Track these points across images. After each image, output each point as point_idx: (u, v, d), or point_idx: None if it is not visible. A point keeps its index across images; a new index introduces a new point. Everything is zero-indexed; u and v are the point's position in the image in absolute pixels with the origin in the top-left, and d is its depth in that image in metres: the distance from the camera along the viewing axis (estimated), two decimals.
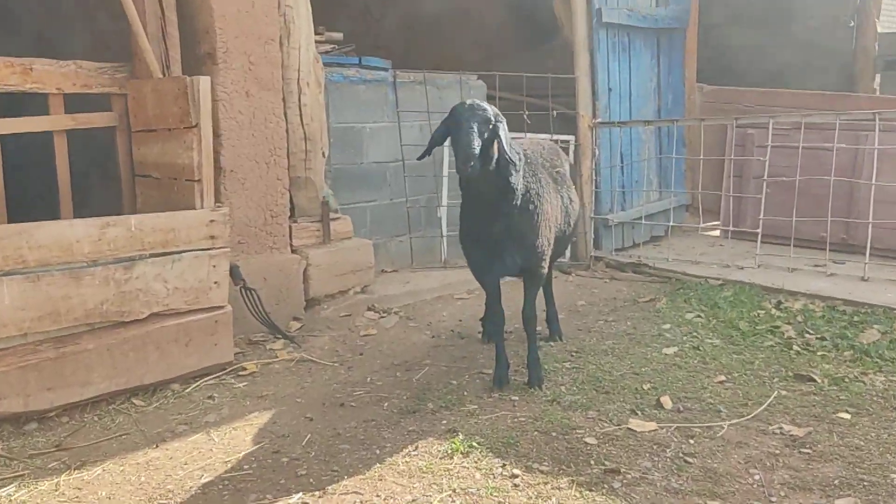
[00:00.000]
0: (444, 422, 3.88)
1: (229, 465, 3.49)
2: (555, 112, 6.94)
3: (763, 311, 5.43)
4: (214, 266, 4.40)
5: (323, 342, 5.10)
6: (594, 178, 7.05)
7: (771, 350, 4.73)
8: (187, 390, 4.31)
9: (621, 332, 5.19)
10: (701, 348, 4.79)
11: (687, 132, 8.25)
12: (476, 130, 3.70)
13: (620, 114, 7.30)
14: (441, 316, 5.69)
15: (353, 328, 5.37)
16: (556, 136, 7.02)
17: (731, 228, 6.99)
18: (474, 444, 3.59)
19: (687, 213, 8.44)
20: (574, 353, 4.79)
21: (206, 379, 4.43)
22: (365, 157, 6.46)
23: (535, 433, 3.71)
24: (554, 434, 3.69)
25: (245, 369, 4.59)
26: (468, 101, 3.82)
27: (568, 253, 7.12)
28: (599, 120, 6.99)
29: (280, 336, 5.07)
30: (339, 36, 6.60)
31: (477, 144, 3.67)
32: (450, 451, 3.53)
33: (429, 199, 6.87)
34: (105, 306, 4.02)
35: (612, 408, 3.97)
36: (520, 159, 4.03)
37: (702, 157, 6.66)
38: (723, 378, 4.32)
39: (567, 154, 7.04)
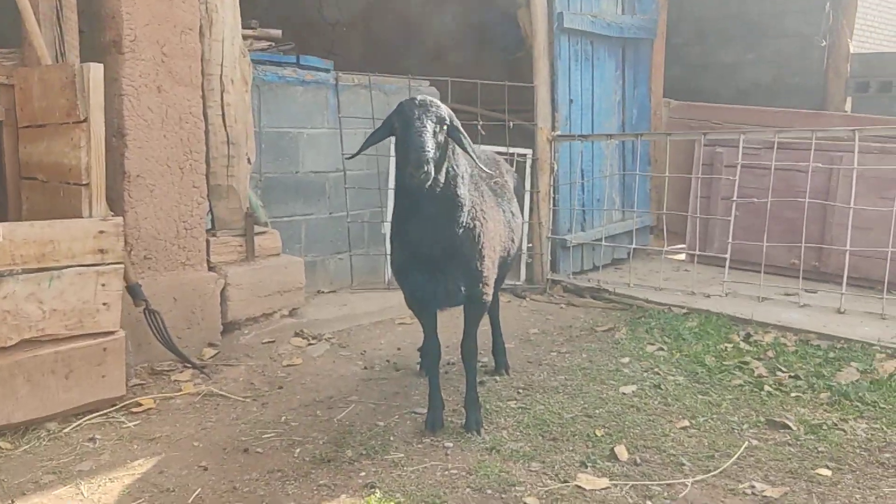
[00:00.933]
0: (363, 474, 3.29)
1: None
2: (511, 124, 6.42)
3: (731, 345, 4.92)
4: (103, 285, 3.77)
5: (238, 373, 4.48)
6: (552, 195, 6.53)
7: (740, 390, 4.21)
8: (65, 430, 3.67)
9: (575, 365, 4.64)
10: (662, 387, 4.25)
11: (652, 149, 7.79)
12: (430, 131, 3.14)
13: (582, 127, 6.80)
14: (378, 344, 5.11)
15: (276, 357, 4.76)
16: (512, 150, 6.51)
17: (697, 253, 6.51)
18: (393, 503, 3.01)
19: (651, 235, 7.96)
20: (521, 391, 4.23)
21: (90, 416, 3.80)
22: (301, 166, 5.87)
23: (468, 490, 3.14)
24: (489, 492, 3.12)
25: (140, 405, 3.97)
26: (420, 97, 3.27)
27: (523, 275, 6.60)
28: (559, 133, 6.48)
29: (189, 365, 4.44)
30: (277, 33, 6.03)
31: (432, 146, 3.11)
32: None
33: (373, 214, 6.30)
34: None
35: (559, 459, 3.40)
36: (465, 169, 3.48)
37: (667, 174, 6.16)
38: (686, 423, 3.78)
39: (525, 168, 6.54)
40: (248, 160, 5.08)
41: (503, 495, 3.09)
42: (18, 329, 3.53)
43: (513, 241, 3.96)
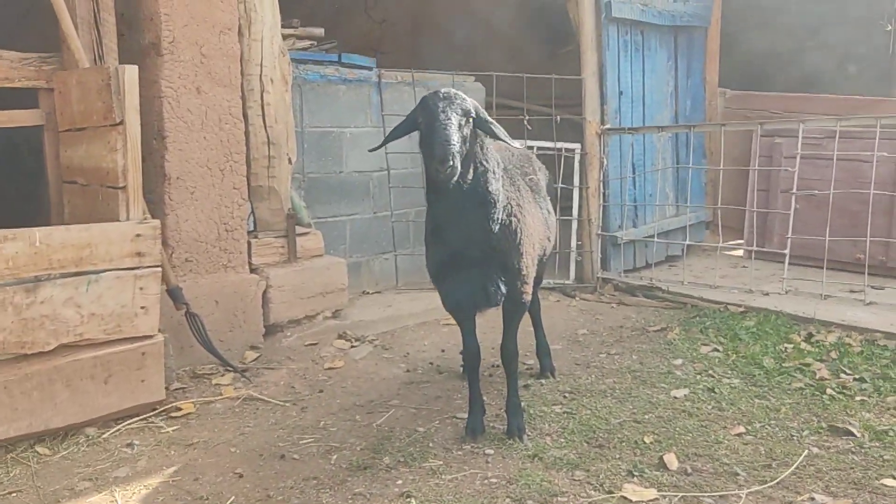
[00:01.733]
0: (400, 482, 3.18)
1: None
2: (558, 118, 6.25)
3: (791, 346, 4.68)
4: (141, 288, 3.75)
5: (279, 376, 4.42)
6: (602, 190, 6.33)
7: (800, 394, 3.99)
8: (105, 436, 3.65)
9: (625, 368, 4.47)
10: (717, 390, 4.05)
11: (708, 141, 7.52)
12: (455, 124, 3.02)
13: (633, 120, 6.59)
14: (422, 346, 5.00)
15: (318, 360, 4.69)
16: (560, 144, 6.34)
17: (754, 248, 6.24)
18: None
19: (707, 230, 7.68)
20: (567, 395, 4.08)
21: (129, 422, 3.78)
22: (345, 166, 5.80)
23: (507, 500, 3.01)
24: (529, 503, 2.98)
25: (180, 409, 3.93)
26: (443, 90, 3.15)
27: (572, 274, 6.42)
28: (608, 126, 6.28)
29: (230, 369, 4.40)
30: (319, 31, 5.98)
31: (457, 140, 2.99)
32: None
33: (418, 213, 6.19)
34: (1, 336, 3.37)
35: (604, 467, 3.25)
36: (497, 164, 3.35)
37: (721, 167, 5.91)
38: (742, 430, 3.58)
39: (573, 164, 6.37)
40: (290, 160, 5.02)
41: None
42: (56, 334, 3.52)
43: (549, 239, 3.81)
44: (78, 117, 3.96)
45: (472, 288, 3.38)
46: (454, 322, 5.28)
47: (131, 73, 3.68)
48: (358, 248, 5.91)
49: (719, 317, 5.33)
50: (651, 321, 5.45)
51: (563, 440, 3.52)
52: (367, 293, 5.91)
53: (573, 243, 6.42)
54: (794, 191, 5.70)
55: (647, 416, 3.75)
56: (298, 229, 5.07)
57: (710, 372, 4.34)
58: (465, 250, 3.33)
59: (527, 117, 6.21)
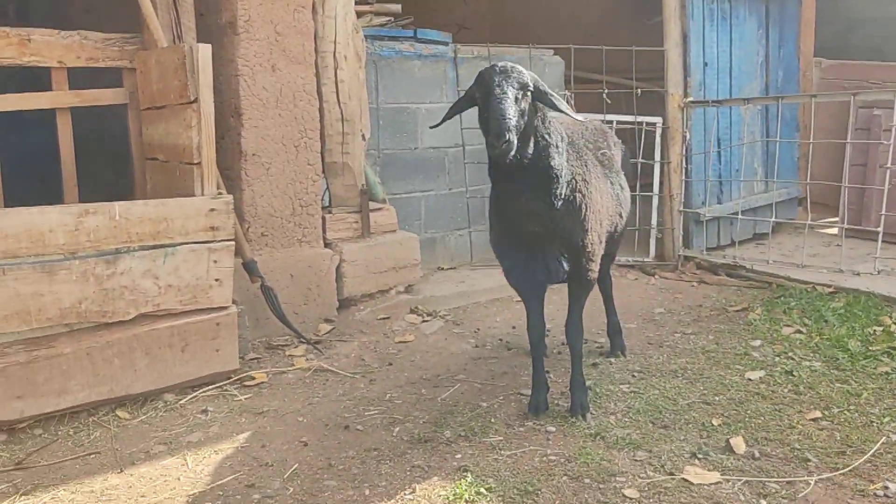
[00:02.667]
0: (459, 456, 3.20)
1: (188, 501, 2.93)
2: (639, 90, 6.08)
3: (881, 329, 4.44)
4: (215, 261, 3.87)
5: (350, 349, 4.50)
6: (684, 165, 6.14)
7: (885, 379, 3.79)
8: (181, 402, 3.80)
9: (699, 348, 4.34)
10: (795, 373, 3.90)
11: (801, 113, 7.18)
12: (511, 98, 2.98)
13: (719, 92, 6.35)
14: (493, 322, 4.99)
15: (389, 333, 4.75)
16: (640, 118, 6.18)
17: (845, 226, 5.94)
18: (483, 489, 2.90)
19: (800, 207, 7.35)
20: (636, 374, 4.00)
21: (205, 389, 3.92)
22: (420, 142, 5.82)
23: (564, 478, 2.98)
24: (587, 481, 2.95)
25: (253, 378, 4.05)
26: (500, 63, 3.11)
27: (652, 251, 6.27)
28: (691, 99, 6.08)
29: (303, 340, 4.51)
30: (396, 7, 5.98)
31: (513, 114, 2.95)
32: (452, 498, 2.86)
33: None
34: (84, 305, 3.55)
35: (667, 448, 3.18)
36: (561, 139, 3.29)
37: (811, 140, 5.64)
38: (818, 414, 3.43)
39: (655, 138, 6.20)
40: (363, 137, 5.07)
41: (601, 486, 2.91)
42: (136, 304, 3.68)
43: (621, 215, 3.72)
44: (157, 96, 4.10)
45: (535, 264, 3.34)
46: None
47: (205, 51, 3.78)
48: (433, 224, 5.93)
49: (805, 297, 5.11)
50: (732, 301, 5.28)
51: (627, 420, 3.46)
52: (442, 269, 5.93)
53: (654, 220, 6.27)
54: (889, 165, 5.38)
55: (717, 398, 3.64)
56: (372, 205, 5.12)
57: (790, 354, 4.17)
58: (527, 226, 3.29)
59: (606, 91, 6.07)
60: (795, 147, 7.03)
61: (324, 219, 4.90)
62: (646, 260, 6.21)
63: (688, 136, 6.11)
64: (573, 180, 3.29)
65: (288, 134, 4.66)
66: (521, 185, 3.20)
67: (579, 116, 3.42)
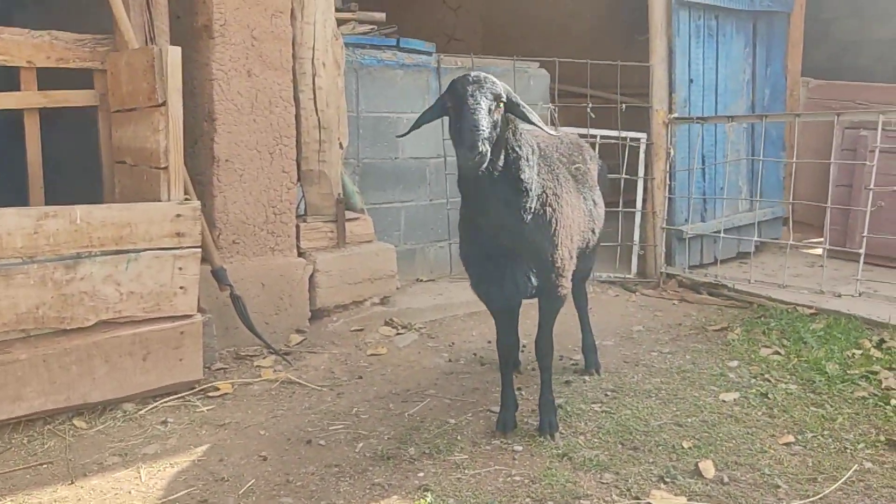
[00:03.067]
0: (421, 474, 3.11)
1: None
2: (623, 106, 6.03)
3: (859, 352, 4.37)
4: (181, 268, 3.78)
5: (320, 361, 4.41)
6: (668, 182, 6.08)
7: (862, 404, 3.72)
8: (141, 412, 3.70)
9: (675, 367, 4.27)
10: (770, 395, 3.82)
11: (787, 133, 7.13)
12: (485, 109, 2.90)
13: (704, 109, 6.31)
14: (469, 336, 4.91)
15: (361, 346, 4.66)
16: (624, 133, 6.12)
17: (829, 247, 5.88)
18: None
19: (784, 227, 7.30)
20: (609, 393, 3.92)
21: (167, 399, 3.82)
22: (401, 152, 5.75)
23: (527, 500, 2.90)
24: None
25: (217, 389, 3.96)
26: (473, 73, 3.03)
27: (634, 267, 6.20)
28: (676, 115, 6.03)
29: (272, 351, 4.41)
30: (380, 16, 5.92)
31: (487, 125, 2.87)
32: None
33: None
34: (41, 311, 3.45)
35: (635, 471, 3.09)
36: (532, 151, 3.22)
37: (794, 160, 5.59)
38: (791, 439, 3.36)
39: (638, 154, 6.14)
40: (341, 145, 5.00)
41: None
42: (96, 310, 3.58)
43: (594, 231, 3.64)
44: (127, 98, 4.01)
45: (503, 278, 3.26)
46: None
47: (174, 54, 3.70)
48: (412, 236, 5.85)
49: (786, 318, 5.04)
50: (712, 320, 5.20)
51: (596, 440, 3.38)
52: (421, 281, 5.85)
53: (636, 236, 6.20)
54: (871, 186, 5.33)
55: (689, 420, 3.56)
56: (349, 214, 5.04)
57: (767, 376, 4.10)
58: (496, 240, 3.22)
59: (590, 105, 6.01)
60: (781, 166, 6.99)
61: (298, 227, 4.81)
62: (627, 276, 6.14)
63: (672, 153, 6.05)
64: (543, 194, 3.22)
65: (263, 140, 4.57)
66: (491, 197, 3.12)
67: (551, 129, 3.36)
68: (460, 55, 6.04)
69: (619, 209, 6.13)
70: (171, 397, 3.84)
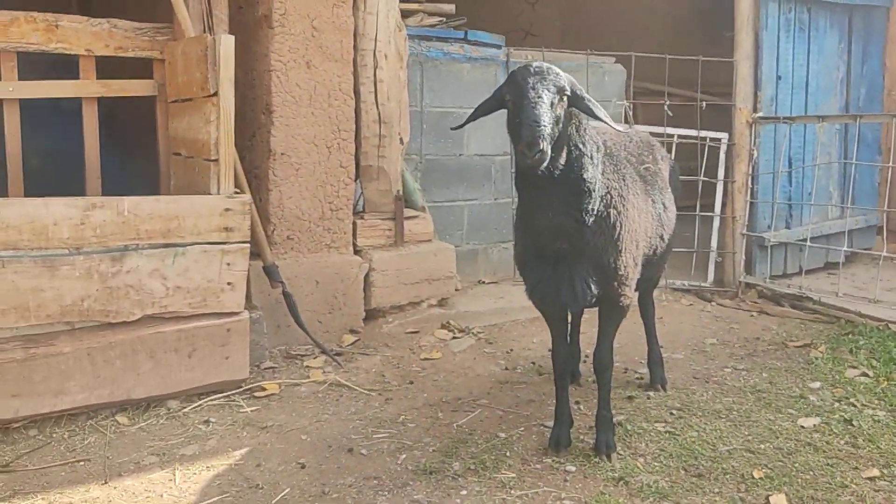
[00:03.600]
0: (464, 492, 2.91)
1: None
2: (703, 104, 5.69)
3: None
4: (228, 264, 3.67)
5: (371, 363, 4.25)
6: (750, 185, 5.71)
7: None
8: (185, 410, 3.61)
9: (750, 386, 3.95)
10: (855, 422, 3.47)
11: (885, 135, 6.63)
12: (547, 103, 2.68)
13: (792, 108, 5.90)
14: (529, 343, 4.68)
15: (416, 349, 4.49)
16: (704, 133, 5.78)
17: None
18: None
19: (878, 236, 6.80)
20: (675, 412, 3.64)
21: (212, 397, 3.72)
22: (465, 149, 5.55)
23: None
24: None
25: (264, 389, 3.84)
26: (535, 63, 2.81)
27: (710, 276, 5.84)
28: (760, 114, 5.65)
29: (322, 351, 4.28)
30: (449, 7, 5.72)
31: (548, 121, 2.66)
32: None
33: None
34: (86, 303, 3.39)
35: (698, 501, 2.82)
36: (597, 149, 2.98)
37: (890, 164, 5.16)
38: (875, 473, 3.02)
39: (718, 155, 5.79)
40: (401, 140, 4.83)
41: None
42: (141, 304, 3.51)
43: (662, 237, 3.36)
44: (182, 88, 3.94)
45: (560, 284, 3.03)
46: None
47: (227, 43, 3.59)
48: (475, 235, 5.65)
49: (876, 336, 4.63)
50: (794, 335, 4.83)
51: (657, 464, 3.11)
52: (483, 282, 5.64)
53: (714, 242, 5.85)
54: None
55: (762, 446, 3.25)
56: (408, 212, 4.88)
57: (852, 400, 3.74)
58: (554, 243, 2.99)
59: (668, 102, 5.69)
60: (876, 171, 6.50)
61: (355, 224, 4.67)
62: (703, 285, 5.79)
63: (755, 154, 5.68)
64: (608, 195, 2.98)
65: (321, 134, 4.45)
66: (550, 197, 2.90)
67: (620, 126, 3.10)
68: (531, 49, 5.81)
69: (696, 213, 5.79)
70: (217, 396, 3.74)
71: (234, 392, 3.78)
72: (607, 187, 2.99)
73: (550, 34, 9.97)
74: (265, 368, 4.12)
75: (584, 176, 2.89)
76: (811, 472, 3.03)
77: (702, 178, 5.74)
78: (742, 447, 3.25)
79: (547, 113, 2.67)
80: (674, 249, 5.62)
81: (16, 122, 3.91)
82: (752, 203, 5.75)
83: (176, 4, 3.88)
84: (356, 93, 4.59)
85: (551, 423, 3.42)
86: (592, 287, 3.02)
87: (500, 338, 4.75)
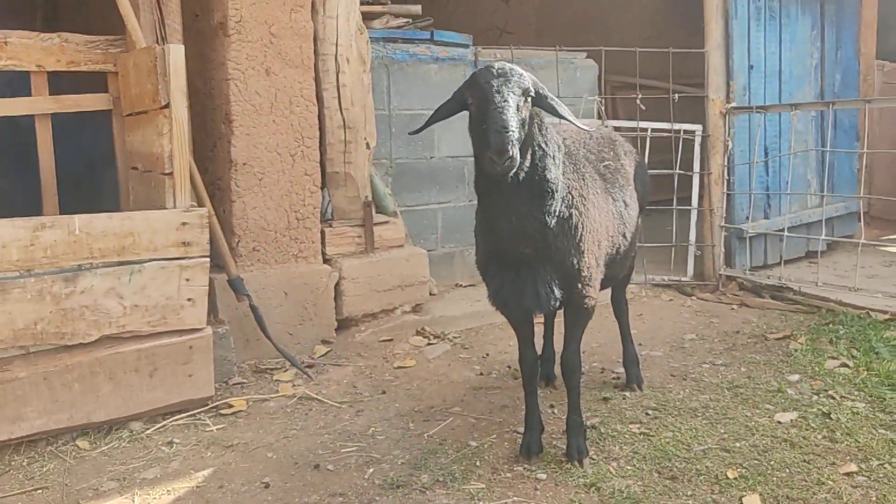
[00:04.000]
0: None
1: None
2: (676, 96, 5.61)
3: None
4: (188, 279, 3.58)
5: (343, 374, 4.17)
6: (726, 177, 5.64)
7: None
8: (148, 432, 3.51)
9: (728, 382, 3.87)
10: (833, 416, 3.40)
11: (861, 121, 6.56)
12: (513, 106, 2.59)
13: (766, 97, 5.83)
14: (505, 346, 4.59)
15: (389, 357, 4.40)
16: (677, 126, 5.70)
17: None
18: None
19: (859, 223, 6.73)
20: (650, 411, 3.56)
21: (177, 417, 3.63)
22: (436, 151, 5.47)
23: None
24: None
25: (231, 406, 3.75)
26: (498, 64, 2.72)
27: (690, 269, 5.77)
28: (733, 104, 5.58)
29: (292, 364, 4.19)
30: (415, 8, 5.64)
31: (515, 126, 2.57)
32: None
33: None
34: (40, 326, 3.29)
35: None
36: (559, 149, 2.90)
37: (864, 150, 5.09)
38: (853, 468, 2.95)
39: (693, 148, 5.72)
40: (368, 145, 4.74)
41: None
42: (98, 325, 3.41)
43: (625, 235, 3.28)
44: (136, 101, 3.84)
45: (523, 289, 2.94)
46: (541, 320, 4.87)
47: (177, 53, 3.50)
48: (450, 238, 5.57)
49: (857, 325, 4.57)
50: (774, 327, 4.76)
51: (630, 468, 3.03)
52: (460, 286, 5.56)
53: (692, 236, 5.77)
54: None
55: (738, 445, 3.17)
56: (378, 218, 4.79)
57: (831, 392, 3.67)
58: (516, 247, 2.90)
59: (640, 96, 5.62)
60: (854, 157, 6.44)
61: (323, 233, 4.58)
62: (682, 279, 5.72)
63: (730, 145, 5.60)
64: (569, 195, 2.90)
65: (283, 142, 4.36)
66: (513, 200, 2.82)
67: (582, 124, 3.01)
68: (499, 47, 5.72)
69: (674, 207, 5.72)
70: (182, 415, 3.64)
71: (200, 410, 3.69)
72: (568, 187, 2.91)
73: (526, 31, 9.91)
74: (234, 384, 4.02)
75: (548, 177, 2.81)
76: (787, 470, 2.95)
77: (677, 171, 5.66)
78: (717, 446, 3.17)
79: (514, 117, 2.59)
80: (653, 244, 5.62)
81: (48, 136, 3.86)
82: (728, 195, 5.68)
83: (126, 15, 3.78)
84: (319, 98, 4.50)
85: (523, 430, 3.35)
86: (556, 291, 2.94)
87: (476, 342, 4.67)
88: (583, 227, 2.93)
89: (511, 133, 2.55)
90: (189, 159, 3.93)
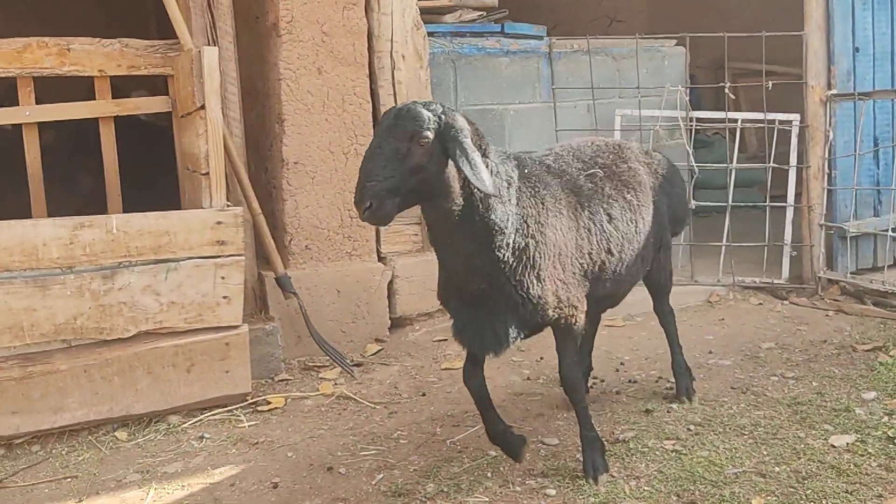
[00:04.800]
0: None
1: None
2: (770, 83, 5.18)
3: None
4: (223, 278, 3.63)
5: (388, 374, 4.12)
6: (826, 171, 5.15)
7: None
8: (184, 425, 3.60)
9: (791, 398, 3.51)
10: None
11: None
12: (387, 152, 2.43)
13: (876, 83, 5.27)
14: None
15: (439, 358, 4.31)
16: (771, 115, 5.27)
17: None
18: None
19: None
20: (693, 427, 3.28)
21: (214, 412, 3.70)
22: (508, 146, 5.28)
23: None
24: None
25: (268, 403, 3.78)
26: (402, 105, 2.58)
27: (785, 271, 5.31)
28: (835, 91, 5.08)
29: (336, 362, 4.18)
30: (492, 1, 5.50)
31: (387, 174, 2.40)
32: None
33: None
34: (79, 321, 3.44)
35: None
36: (508, 184, 2.68)
37: None
38: None
39: (790, 138, 5.27)
40: None
41: None
42: (135, 321, 3.52)
43: (609, 251, 2.97)
44: (185, 102, 3.94)
45: (482, 329, 2.77)
46: (621, 323, 4.65)
47: (210, 55, 3.57)
48: None
49: None
50: (867, 337, 4.30)
51: (648, 489, 2.80)
52: None
53: (788, 235, 5.32)
54: None
55: (777, 469, 2.86)
56: None
57: None
58: (472, 283, 2.74)
59: (728, 84, 5.23)
60: None
61: (378, 231, 4.55)
62: (776, 282, 5.27)
63: (831, 136, 5.11)
64: (524, 224, 2.70)
65: (336, 140, 4.36)
66: (456, 238, 2.65)
67: (489, 184, 2.51)
68: (574, 38, 5.49)
69: (767, 203, 5.29)
70: (219, 410, 3.71)
71: (237, 406, 3.74)
72: (523, 217, 2.70)
73: (638, 19, 9.51)
74: (279, 381, 4.07)
75: (492, 217, 2.60)
76: (824, 500, 2.63)
77: (771, 164, 5.23)
78: (753, 470, 2.88)
79: (386, 165, 2.41)
80: (743, 244, 5.21)
81: (35, 144, 4.03)
82: (829, 190, 5.18)
83: (174, 18, 3.88)
84: (373, 96, 4.47)
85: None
86: (516, 329, 2.77)
87: (535, 344, 4.44)
88: (540, 256, 2.72)
89: (373, 183, 2.40)
90: (235, 159, 4.02)
